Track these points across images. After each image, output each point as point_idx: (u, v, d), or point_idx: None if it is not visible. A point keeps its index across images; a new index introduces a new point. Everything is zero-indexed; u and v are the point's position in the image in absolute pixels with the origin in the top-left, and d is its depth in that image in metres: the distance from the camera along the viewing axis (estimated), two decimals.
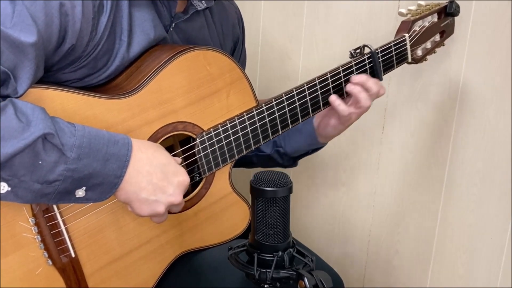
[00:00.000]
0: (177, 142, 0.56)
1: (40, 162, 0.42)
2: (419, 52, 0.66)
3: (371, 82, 0.59)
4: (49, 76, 0.48)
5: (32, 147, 0.41)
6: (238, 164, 0.61)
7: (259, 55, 0.86)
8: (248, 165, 0.67)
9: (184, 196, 0.52)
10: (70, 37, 0.46)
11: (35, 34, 0.43)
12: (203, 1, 0.55)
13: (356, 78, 0.59)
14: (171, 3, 0.52)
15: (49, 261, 0.48)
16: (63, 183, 0.44)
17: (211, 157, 0.54)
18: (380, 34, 0.77)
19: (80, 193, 0.45)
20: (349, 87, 0.59)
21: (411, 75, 0.77)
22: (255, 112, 0.55)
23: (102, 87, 0.51)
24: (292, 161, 0.67)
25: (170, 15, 0.53)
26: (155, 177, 0.47)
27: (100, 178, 0.45)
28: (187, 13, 0.55)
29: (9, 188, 0.42)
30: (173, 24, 0.54)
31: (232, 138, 0.55)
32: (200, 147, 0.53)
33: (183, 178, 0.48)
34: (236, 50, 0.65)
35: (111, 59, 0.50)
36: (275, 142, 0.65)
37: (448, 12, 0.67)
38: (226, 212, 0.58)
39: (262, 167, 0.70)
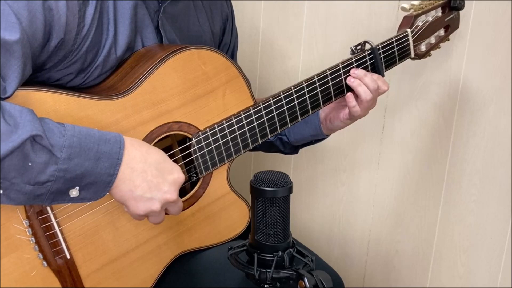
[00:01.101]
0: (175, 142, 0.55)
1: (30, 164, 0.42)
2: (423, 48, 0.65)
3: (368, 78, 0.58)
4: (43, 74, 0.48)
5: (20, 149, 0.41)
6: None
7: (259, 55, 0.86)
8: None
9: (182, 196, 0.52)
10: (56, 31, 0.45)
11: (18, 32, 0.42)
12: None
13: (355, 72, 0.59)
14: None
15: (44, 262, 0.48)
16: (55, 183, 0.43)
17: (207, 157, 0.53)
18: (380, 33, 0.76)
19: (74, 193, 0.44)
20: (349, 81, 0.59)
21: (411, 75, 0.77)
22: (252, 111, 0.55)
23: (96, 88, 0.51)
24: (293, 149, 0.67)
25: (157, 1, 0.53)
26: (150, 174, 0.46)
27: (93, 177, 0.44)
28: None
29: (1, 191, 0.42)
30: (162, 9, 0.53)
31: (229, 137, 0.54)
32: (196, 147, 0.53)
33: (178, 175, 0.48)
34: (226, 29, 0.64)
35: (99, 50, 0.49)
36: None
37: (453, 6, 0.66)
38: (225, 212, 0.57)
39: (264, 152, 0.70)
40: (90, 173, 0.44)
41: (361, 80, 0.58)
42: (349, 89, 0.60)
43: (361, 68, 0.60)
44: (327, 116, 0.62)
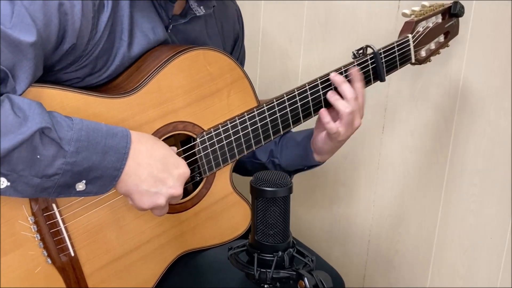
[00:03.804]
0: (178, 142, 0.55)
1: (38, 157, 0.42)
2: (423, 53, 0.66)
3: (345, 86, 0.56)
4: (51, 75, 0.48)
5: (29, 142, 0.41)
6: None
7: (259, 55, 0.86)
8: (241, 170, 0.65)
9: (185, 196, 0.52)
10: (70, 36, 0.46)
11: (34, 34, 0.43)
12: (201, 7, 0.55)
13: (335, 78, 0.56)
14: (168, 6, 0.53)
15: (49, 260, 0.48)
16: (62, 176, 0.43)
17: (211, 157, 0.54)
18: (380, 34, 0.77)
19: (81, 186, 0.45)
20: (328, 95, 0.57)
21: (411, 75, 0.77)
22: (256, 112, 0.55)
23: (103, 87, 0.51)
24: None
25: (168, 17, 0.54)
26: (156, 169, 0.47)
27: (100, 171, 0.45)
28: (185, 17, 0.55)
29: (9, 183, 0.42)
30: (171, 26, 0.54)
31: (232, 138, 0.54)
32: (200, 147, 0.53)
33: (184, 170, 0.48)
34: (235, 47, 0.65)
35: (110, 58, 0.50)
36: (271, 152, 0.64)
37: (453, 13, 0.67)
38: (227, 213, 0.58)
39: None
40: (97, 167, 0.44)
41: (339, 86, 0.56)
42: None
43: (362, 72, 0.59)
44: (314, 138, 0.60)
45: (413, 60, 0.65)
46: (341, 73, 0.59)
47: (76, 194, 0.45)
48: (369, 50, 0.61)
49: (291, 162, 0.63)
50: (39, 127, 0.41)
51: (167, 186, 0.47)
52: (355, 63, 0.60)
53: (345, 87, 0.57)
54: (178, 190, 0.47)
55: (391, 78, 0.79)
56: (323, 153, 0.61)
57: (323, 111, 0.57)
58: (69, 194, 0.45)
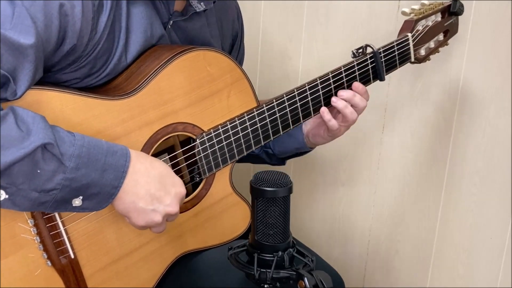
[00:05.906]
0: (178, 142, 0.56)
1: (38, 171, 0.42)
2: (422, 52, 0.66)
3: (357, 98, 0.58)
4: (49, 76, 0.48)
5: (31, 156, 0.42)
6: None
7: (259, 55, 0.86)
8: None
9: (185, 196, 0.52)
10: (70, 37, 0.46)
11: (33, 36, 0.43)
12: (202, 3, 0.55)
13: (343, 95, 0.58)
14: (169, 2, 0.53)
15: (49, 262, 0.48)
16: (61, 192, 0.44)
17: (211, 157, 0.54)
18: (380, 34, 0.77)
19: (77, 202, 0.45)
20: (334, 102, 0.58)
21: (411, 75, 0.77)
22: (255, 113, 0.56)
23: (102, 88, 0.51)
24: (280, 160, 0.67)
25: (168, 13, 0.54)
26: (153, 187, 0.47)
27: (97, 188, 0.45)
28: (186, 13, 0.55)
29: (7, 196, 0.42)
30: (171, 22, 0.54)
31: (232, 138, 0.55)
32: (200, 148, 0.53)
33: (180, 189, 0.48)
34: (234, 46, 0.65)
35: (110, 58, 0.50)
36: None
37: (452, 11, 0.67)
38: (227, 213, 0.58)
39: (252, 163, 0.70)
40: (95, 184, 0.44)
41: (351, 100, 0.58)
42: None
43: (362, 71, 0.60)
44: (309, 132, 0.62)
45: (412, 59, 0.65)
46: (340, 73, 0.59)
47: (73, 209, 0.45)
48: (369, 50, 0.61)
49: (285, 151, 0.65)
50: (42, 142, 0.41)
51: (164, 204, 0.47)
52: (355, 62, 0.60)
53: (356, 101, 0.58)
54: (175, 208, 0.48)
55: (391, 78, 0.79)
56: (319, 144, 0.63)
57: (324, 110, 0.58)
58: (66, 209, 0.45)
